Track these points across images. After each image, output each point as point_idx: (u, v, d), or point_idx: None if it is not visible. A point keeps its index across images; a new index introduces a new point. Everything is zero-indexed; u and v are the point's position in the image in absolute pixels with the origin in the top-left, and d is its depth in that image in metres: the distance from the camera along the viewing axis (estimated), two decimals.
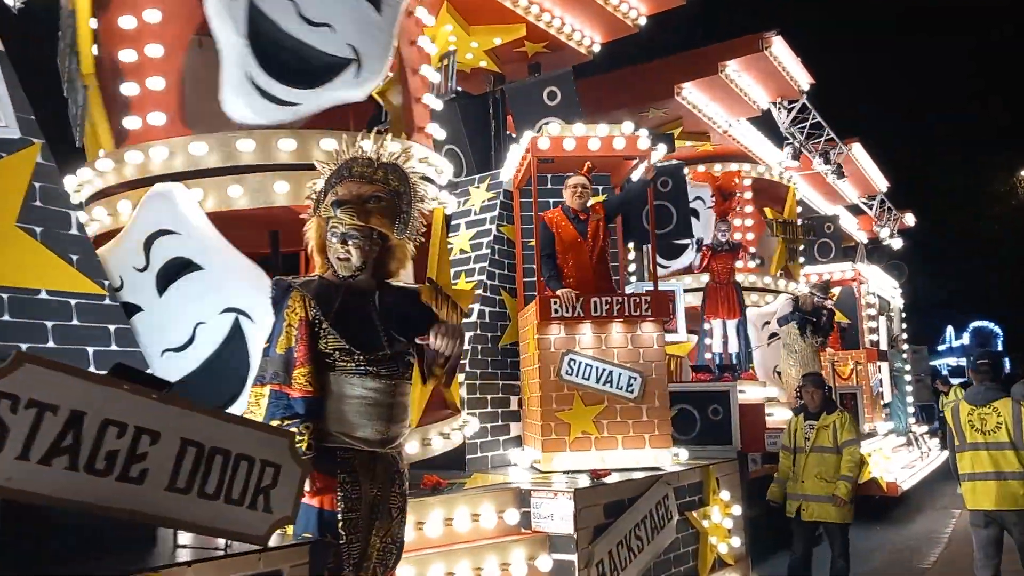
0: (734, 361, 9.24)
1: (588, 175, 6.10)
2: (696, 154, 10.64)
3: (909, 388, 16.49)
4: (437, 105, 5.52)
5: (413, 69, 5.05)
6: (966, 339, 35.45)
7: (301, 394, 2.96)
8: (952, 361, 33.74)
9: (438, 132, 5.47)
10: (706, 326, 9.44)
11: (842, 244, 13.80)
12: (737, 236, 9.64)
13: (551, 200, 6.62)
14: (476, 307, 6.53)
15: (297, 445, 2.90)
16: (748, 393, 8.23)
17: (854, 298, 13.06)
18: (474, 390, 6.10)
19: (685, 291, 9.45)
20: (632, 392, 5.69)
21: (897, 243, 17.23)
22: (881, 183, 14.44)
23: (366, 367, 3.01)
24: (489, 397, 6.22)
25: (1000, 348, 32.44)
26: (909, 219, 17.91)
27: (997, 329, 35.21)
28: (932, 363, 33.45)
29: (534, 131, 6.19)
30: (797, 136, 10.73)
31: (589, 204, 6.02)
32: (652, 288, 6.29)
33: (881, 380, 12.95)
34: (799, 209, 12.58)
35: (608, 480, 5.06)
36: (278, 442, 2.84)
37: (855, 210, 16.82)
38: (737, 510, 5.97)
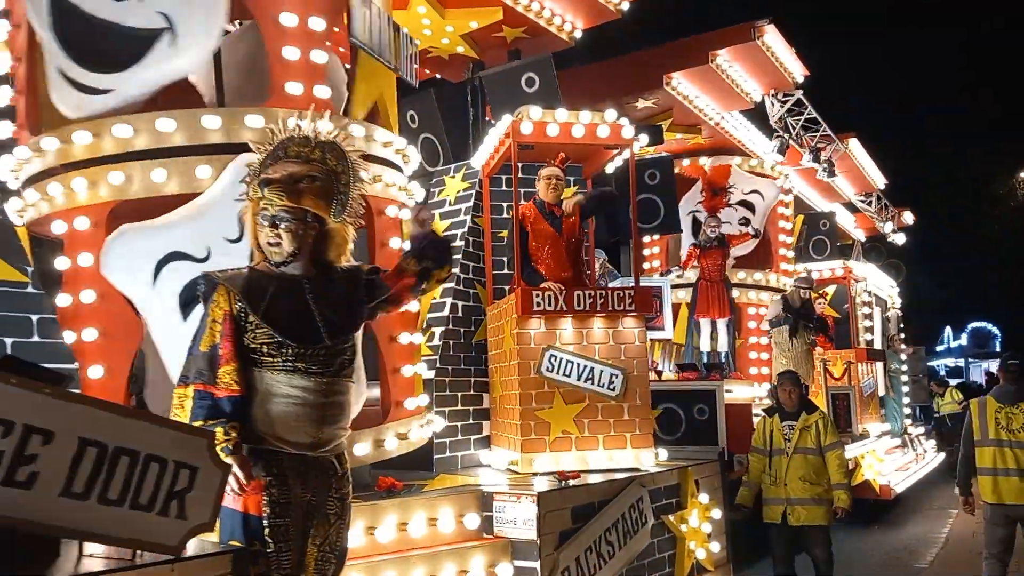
0: (723, 360, 9.02)
1: (562, 166, 5.86)
2: (687, 147, 10.40)
3: (906, 389, 16.31)
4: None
5: None
6: (964, 340, 35.26)
7: (227, 393, 2.74)
8: (950, 362, 33.74)
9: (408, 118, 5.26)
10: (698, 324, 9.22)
11: (838, 242, 13.54)
12: (727, 229, 9.37)
13: (522, 191, 6.41)
14: (448, 300, 6.31)
15: (223, 445, 2.69)
16: (735, 393, 8.01)
17: (848, 296, 12.82)
18: (444, 387, 5.88)
19: (673, 287, 9.24)
20: (614, 390, 5.50)
21: (900, 239, 16.96)
22: (879, 180, 14.19)
23: (294, 363, 2.79)
24: (460, 395, 5.99)
25: (998, 349, 32.26)
26: (908, 217, 17.65)
27: (995, 330, 35.01)
28: (930, 364, 33.60)
29: (513, 116, 5.95)
30: (791, 128, 10.47)
31: (564, 199, 5.79)
32: (635, 283, 6.07)
33: (875, 380, 12.71)
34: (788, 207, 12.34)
35: (580, 482, 4.84)
36: (195, 442, 2.63)
37: (852, 208, 16.58)
38: (717, 514, 5.75)
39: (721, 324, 9.01)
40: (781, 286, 10.33)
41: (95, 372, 3.70)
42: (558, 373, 5.36)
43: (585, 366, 5.43)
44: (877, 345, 13.63)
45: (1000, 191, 33.06)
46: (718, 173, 9.19)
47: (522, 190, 5.94)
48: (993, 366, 33.45)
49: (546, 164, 5.79)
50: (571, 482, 4.70)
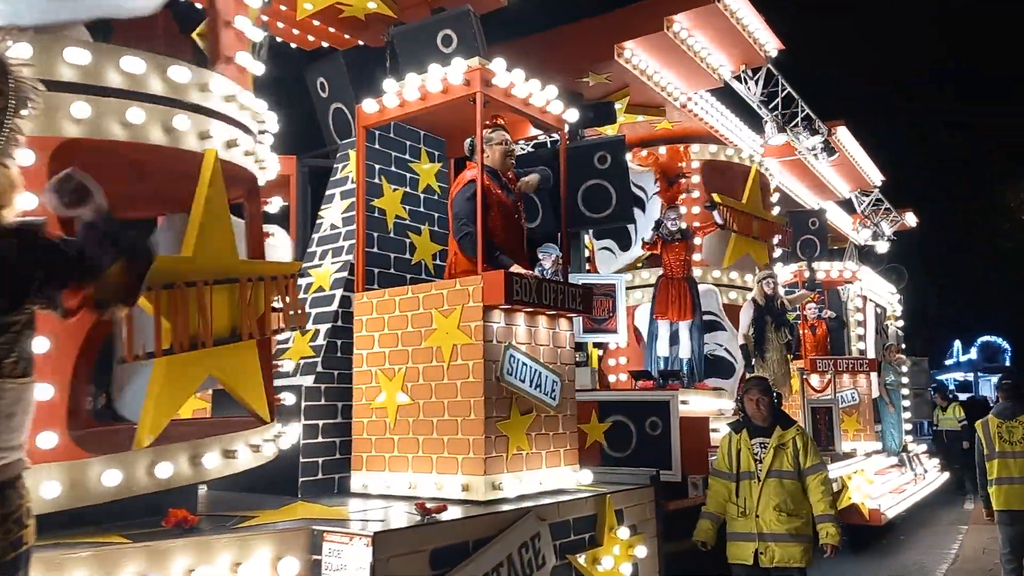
0: (685, 368, 8.04)
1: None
2: (655, 134, 9.46)
3: (906, 403, 15.25)
4: (256, 36, 4.40)
5: None
6: (974, 354, 34.20)
7: None
8: (959, 376, 32.71)
9: (256, 68, 4.35)
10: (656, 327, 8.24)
11: (829, 243, 12.55)
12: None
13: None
14: (339, 293, 5.39)
15: None
16: (692, 404, 7.04)
17: (840, 301, 11.85)
18: (319, 396, 4.94)
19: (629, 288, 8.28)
20: (554, 399, 4.74)
21: (883, 246, 15.93)
22: (874, 175, 13.19)
23: None
24: (341, 405, 5.04)
25: (1008, 364, 31.24)
26: (910, 219, 16.61)
27: (1005, 344, 33.94)
28: (939, 377, 32.59)
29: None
30: (774, 113, 9.50)
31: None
32: (600, 278, 5.25)
33: (858, 393, 11.69)
34: (776, 201, 11.38)
35: (464, 513, 3.89)
36: None
37: (850, 208, 15.57)
38: (642, 551, 4.77)
39: (683, 327, 8.04)
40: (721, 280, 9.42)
41: None
42: (515, 376, 4.49)
43: (535, 370, 4.63)
44: (870, 355, 12.62)
45: (1010, 203, 32.05)
46: (672, 158, 8.23)
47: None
48: None
49: (494, 127, 4.86)
50: (435, 515, 3.73)
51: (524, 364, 4.52)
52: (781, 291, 8.49)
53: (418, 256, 5.88)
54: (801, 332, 11.38)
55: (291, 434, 4.48)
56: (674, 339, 8.09)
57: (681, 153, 8.21)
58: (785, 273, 11.33)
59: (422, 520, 3.66)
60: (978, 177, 32.52)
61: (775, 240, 9.76)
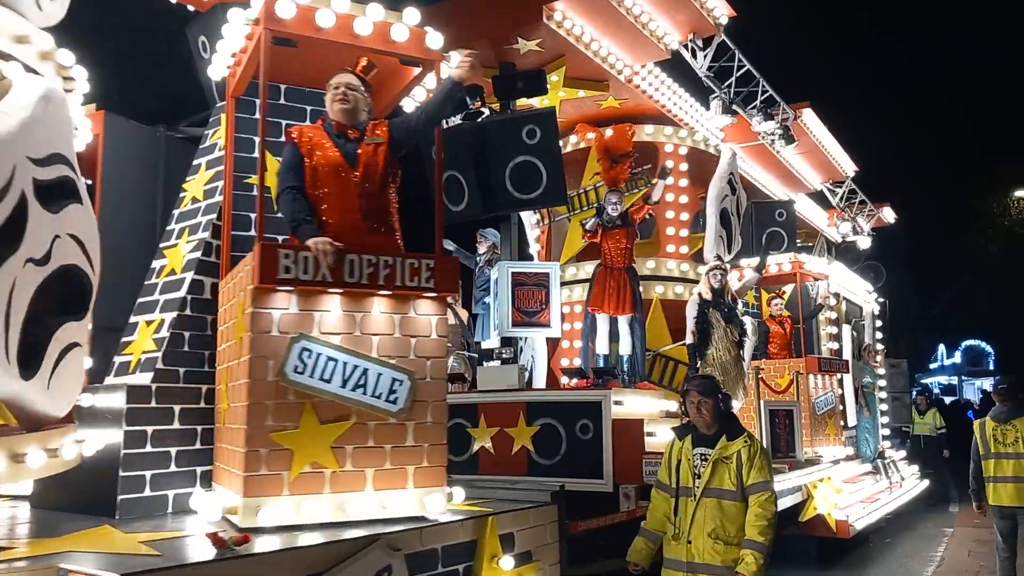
0: (626, 366, 7.27)
1: (364, 75, 4.12)
2: (599, 113, 8.70)
3: (884, 407, 14.53)
4: None
5: None
6: (958, 358, 33.73)
7: None
8: (944, 379, 32.30)
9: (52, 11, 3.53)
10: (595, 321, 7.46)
11: (797, 237, 11.80)
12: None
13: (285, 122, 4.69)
14: (189, 276, 4.59)
15: None
16: (627, 404, 6.27)
17: (810, 298, 11.09)
18: (148, 397, 4.13)
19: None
20: (395, 403, 3.78)
21: (864, 242, 15.21)
22: (846, 164, 12.45)
23: None
24: (180, 408, 4.24)
25: (991, 368, 30.80)
26: (888, 214, 15.90)
27: (989, 348, 33.47)
28: (923, 381, 32.09)
29: None
30: (727, 88, 8.75)
31: (367, 121, 4.06)
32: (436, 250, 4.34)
33: (839, 396, 10.95)
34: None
35: (261, 547, 3.08)
36: None
37: (824, 201, 14.84)
38: None
39: (622, 322, 7.27)
40: (673, 273, 8.65)
41: None
42: (313, 376, 3.61)
43: (355, 367, 3.71)
44: (846, 356, 11.89)
45: (993, 209, 31.53)
46: (617, 137, 7.47)
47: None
48: (987, 384, 32.16)
49: (341, 72, 4.06)
50: (236, 548, 2.93)
51: (331, 360, 3.65)
52: (733, 283, 7.74)
53: None
54: (769, 328, 10.65)
55: (96, 441, 3.67)
56: (614, 335, 7.32)
57: (628, 133, 7.46)
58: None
59: (221, 552, 2.86)
60: (961, 170, 31.94)
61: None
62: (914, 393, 21.38)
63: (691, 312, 7.45)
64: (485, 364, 7.01)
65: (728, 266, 7.60)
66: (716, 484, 4.02)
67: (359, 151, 3.95)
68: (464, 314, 9.20)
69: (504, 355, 6.82)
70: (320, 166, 3.90)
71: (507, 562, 3.79)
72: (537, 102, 7.76)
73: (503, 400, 6.80)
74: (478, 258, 8.86)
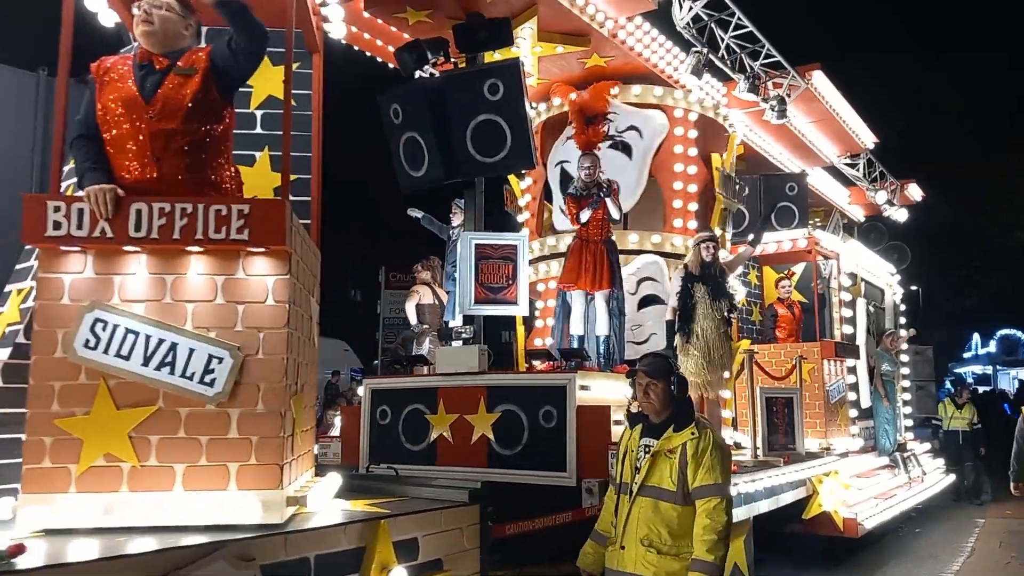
0: (603, 348, 6.61)
1: None
2: (585, 74, 7.98)
3: (906, 396, 13.66)
4: None
5: None
6: (993, 347, 32.49)
7: None
8: (978, 369, 31.18)
9: None
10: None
11: (815, 217, 11.01)
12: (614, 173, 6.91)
13: None
14: None
15: None
16: (595, 390, 5.65)
17: (822, 278, 10.32)
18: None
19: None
20: (212, 385, 3.10)
21: (901, 214, 14.25)
22: (864, 134, 11.57)
23: None
24: None
25: None
26: (914, 191, 14.93)
27: None
28: (957, 370, 30.91)
29: None
30: (718, 46, 7.96)
31: (187, 48, 3.41)
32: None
33: (853, 384, 10.19)
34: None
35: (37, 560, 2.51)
36: None
37: (847, 180, 13.96)
38: None
39: (599, 299, 6.61)
40: (678, 250, 7.93)
41: None
42: (108, 352, 3.02)
43: (161, 341, 3.07)
44: (860, 341, 11.09)
45: None
46: (594, 96, 6.76)
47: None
48: (1023, 374, 31.01)
49: None
50: (12, 559, 2.36)
51: (130, 332, 3.04)
52: (723, 256, 7.03)
53: (250, 191, 4.47)
54: (777, 312, 9.92)
55: None
56: (591, 313, 6.67)
57: (606, 92, 6.75)
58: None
59: None
60: (996, 147, 30.43)
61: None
62: (947, 383, 20.36)
63: (674, 286, 6.77)
64: (446, 344, 6.42)
65: (718, 237, 6.89)
66: (655, 482, 3.41)
67: (161, 85, 3.24)
68: (445, 295, 8.62)
69: (464, 334, 6.22)
70: (110, 105, 3.24)
71: (399, 573, 3.18)
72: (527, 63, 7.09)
73: (463, 384, 6.22)
74: (452, 231, 8.23)
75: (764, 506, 7.02)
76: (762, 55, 8.51)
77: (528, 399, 5.85)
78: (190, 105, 3.24)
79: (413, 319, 7.76)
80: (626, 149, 8.02)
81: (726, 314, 6.68)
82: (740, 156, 10.85)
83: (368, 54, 7.54)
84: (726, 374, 6.68)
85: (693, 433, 3.40)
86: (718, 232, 8.18)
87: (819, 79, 9.31)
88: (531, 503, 5.56)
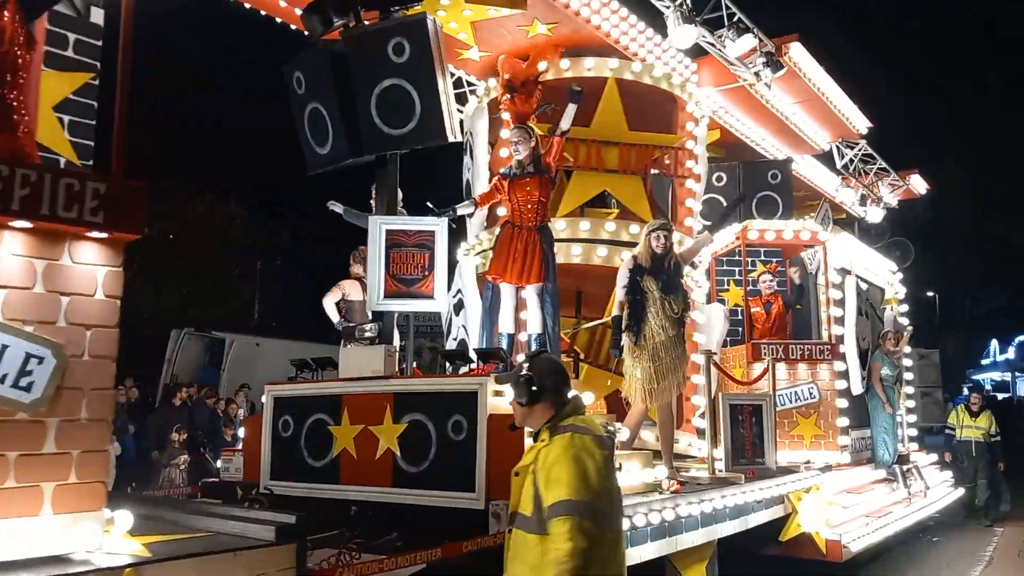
0: (533, 348, 5.84)
1: None
2: (529, 47, 7.22)
3: (910, 404, 12.76)
4: None
5: None
6: (1011, 353, 31.52)
7: None
8: (996, 375, 30.21)
9: None
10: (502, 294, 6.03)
11: (794, 203, 10.19)
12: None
13: None
14: None
15: None
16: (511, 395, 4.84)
17: (806, 274, 9.50)
18: None
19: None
20: (30, 390, 2.54)
21: (876, 214, 13.35)
22: (856, 118, 10.72)
23: None
24: None
25: None
26: (917, 183, 14.05)
27: None
28: (975, 377, 29.89)
29: None
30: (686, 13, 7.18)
31: None
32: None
33: (844, 390, 9.34)
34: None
35: None
36: None
37: (842, 170, 13.10)
38: None
39: (530, 293, 5.84)
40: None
41: None
42: None
43: None
44: (850, 341, 10.22)
45: None
46: (529, 61, 5.97)
47: None
48: None
49: None
50: None
51: None
52: (679, 247, 6.24)
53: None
54: (750, 310, 9.11)
55: None
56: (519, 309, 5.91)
57: (541, 57, 5.98)
58: (728, 235, 9.04)
59: None
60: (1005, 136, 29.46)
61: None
62: (965, 390, 19.40)
63: (620, 278, 5.98)
64: (347, 345, 5.68)
65: (672, 226, 6.09)
66: (520, 508, 2.81)
67: None
68: None
69: (368, 333, 5.47)
70: None
71: None
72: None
73: (369, 391, 5.47)
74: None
75: (729, 528, 6.26)
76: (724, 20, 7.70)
77: (437, 408, 5.10)
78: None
79: (334, 317, 7.02)
80: None
81: (679, 313, 5.89)
82: (718, 142, 10.09)
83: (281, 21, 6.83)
84: (678, 382, 5.88)
85: (543, 440, 2.82)
86: None
87: (798, 52, 8.51)
88: (436, 529, 4.84)
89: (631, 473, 5.23)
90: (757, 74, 7.79)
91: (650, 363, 5.78)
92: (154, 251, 19.94)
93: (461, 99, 8.04)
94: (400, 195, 6.58)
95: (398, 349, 5.54)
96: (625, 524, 4.90)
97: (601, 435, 2.87)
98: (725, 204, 9.99)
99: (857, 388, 9.98)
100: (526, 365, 3.02)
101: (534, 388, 2.91)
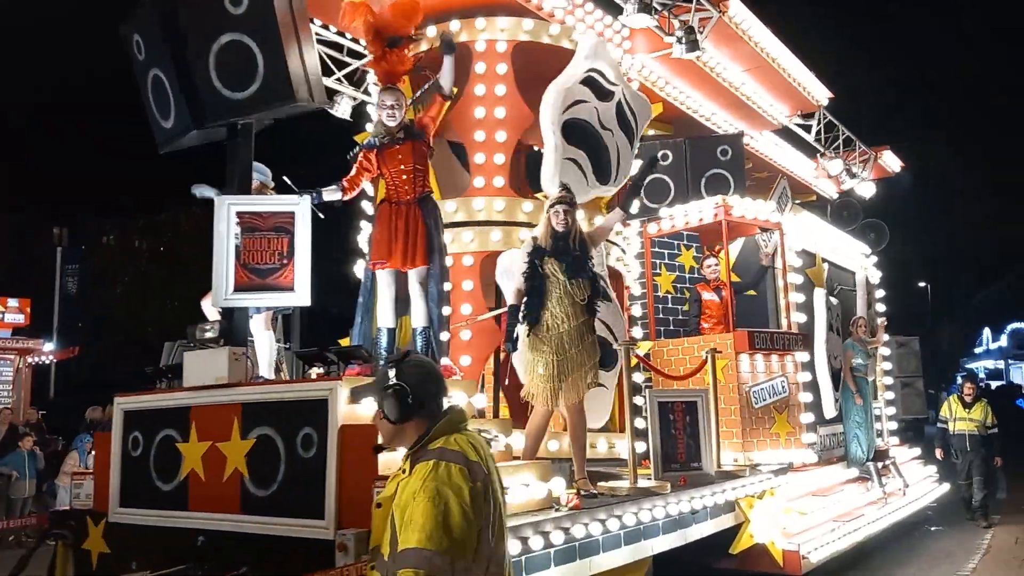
0: (418, 344, 5.07)
1: None
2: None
3: (889, 396, 12.01)
4: None
5: None
6: (1004, 341, 31.00)
7: None
8: (990, 364, 29.68)
9: None
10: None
11: (747, 180, 9.42)
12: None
13: None
14: None
15: None
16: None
17: (757, 256, 8.75)
18: None
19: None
20: None
21: (867, 189, 12.60)
22: (814, 88, 9.96)
23: None
24: None
25: None
26: (889, 160, 13.32)
27: None
28: (968, 366, 29.25)
29: None
30: None
31: None
32: None
33: (809, 383, 8.60)
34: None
35: None
36: None
37: (808, 147, 12.38)
38: None
39: (412, 279, 5.06)
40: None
41: None
42: None
43: None
44: (820, 330, 9.47)
45: None
46: (396, 9, 5.18)
47: None
48: None
49: None
50: None
51: None
52: (584, 224, 5.47)
53: None
54: (701, 297, 8.35)
55: None
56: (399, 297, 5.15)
57: (415, 9, 5.20)
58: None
59: None
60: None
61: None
62: (958, 379, 18.70)
63: (519, 263, 5.22)
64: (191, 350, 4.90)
65: (576, 200, 5.32)
66: (381, 546, 2.36)
67: None
68: None
69: (209, 333, 4.70)
70: None
71: None
72: None
73: (216, 402, 4.71)
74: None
75: (663, 543, 5.52)
76: None
77: (285, 419, 4.36)
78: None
79: (210, 317, 6.25)
80: None
81: (586, 299, 5.12)
82: (662, 117, 9.34)
83: None
84: (588, 377, 5.11)
85: (403, 471, 2.37)
86: None
87: (737, 7, 7.76)
88: (286, 563, 4.11)
89: (522, 489, 4.47)
90: (680, 41, 7.00)
91: (553, 356, 5.02)
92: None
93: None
94: (269, 173, 5.84)
95: (246, 351, 4.75)
96: (516, 548, 4.15)
97: (475, 460, 2.31)
98: (672, 185, 9.30)
99: (831, 413, 9.28)
100: (392, 371, 2.47)
101: (408, 401, 2.40)
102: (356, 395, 2.81)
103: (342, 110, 9.05)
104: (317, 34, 8.10)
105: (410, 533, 2.16)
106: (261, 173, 5.81)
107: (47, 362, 17.57)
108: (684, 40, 7.08)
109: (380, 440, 2.55)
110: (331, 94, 9.00)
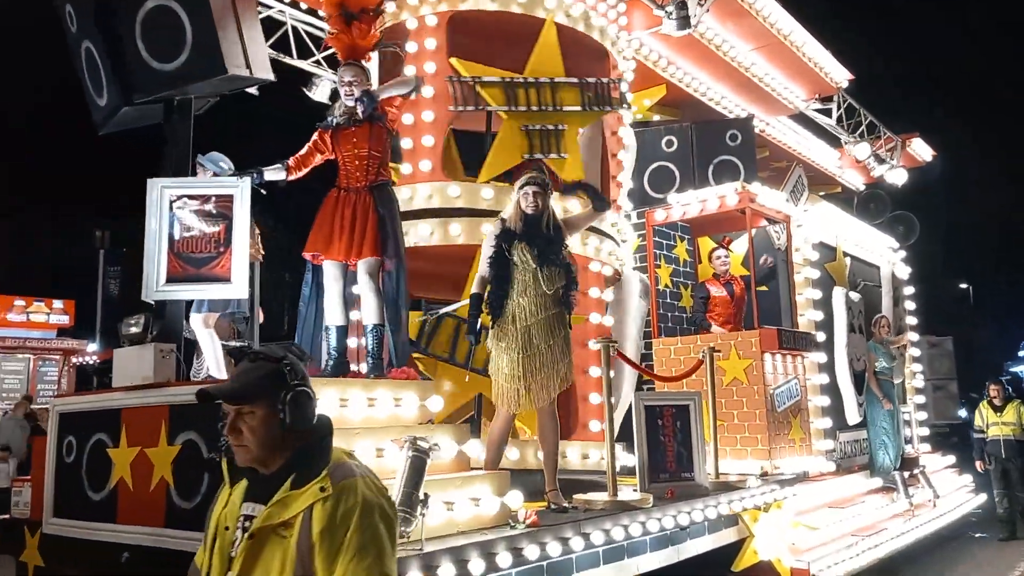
0: (369, 344, 4.64)
1: None
2: None
3: (920, 400, 11.33)
4: None
5: None
6: None
7: None
8: None
9: None
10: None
11: (757, 167, 8.85)
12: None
13: None
14: None
15: None
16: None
17: (773, 249, 8.18)
18: None
19: None
20: None
21: (899, 176, 11.88)
22: (833, 68, 9.33)
23: None
24: None
25: None
26: (920, 148, 12.60)
27: None
28: (1012, 369, 28.09)
29: None
30: None
31: None
32: None
33: (827, 386, 8.01)
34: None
35: None
36: None
37: (834, 137, 11.74)
38: None
39: (361, 272, 4.62)
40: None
41: None
42: None
43: None
44: (840, 329, 8.87)
45: None
46: None
47: None
48: None
49: None
50: None
51: None
52: (557, 207, 4.99)
53: None
54: (710, 292, 7.81)
55: None
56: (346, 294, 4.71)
57: None
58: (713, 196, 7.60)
59: None
60: None
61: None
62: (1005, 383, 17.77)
63: (485, 248, 4.76)
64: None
65: (548, 181, 4.86)
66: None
67: None
68: None
69: (133, 328, 4.32)
70: None
71: None
72: None
73: (145, 404, 4.34)
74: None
75: (652, 561, 5.04)
76: None
77: (210, 424, 3.95)
78: None
79: None
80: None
81: (558, 289, 4.65)
82: (667, 101, 8.84)
83: None
84: (559, 376, 4.63)
85: (323, 488, 1.94)
86: None
87: None
88: None
89: (468, 504, 4.00)
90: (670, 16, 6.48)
91: (520, 352, 4.55)
92: None
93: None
94: (229, 163, 5.45)
95: (174, 348, 4.36)
96: (480, 567, 3.70)
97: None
98: (679, 173, 8.78)
99: (855, 418, 8.71)
100: (273, 373, 2.08)
101: (305, 408, 2.05)
102: (245, 395, 2.20)
103: (320, 92, 8.70)
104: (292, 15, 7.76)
105: (355, 561, 1.84)
106: (213, 163, 5.42)
107: (91, 362, 17.74)
108: (675, 15, 6.56)
109: (254, 453, 2.05)
110: (309, 77, 8.67)
